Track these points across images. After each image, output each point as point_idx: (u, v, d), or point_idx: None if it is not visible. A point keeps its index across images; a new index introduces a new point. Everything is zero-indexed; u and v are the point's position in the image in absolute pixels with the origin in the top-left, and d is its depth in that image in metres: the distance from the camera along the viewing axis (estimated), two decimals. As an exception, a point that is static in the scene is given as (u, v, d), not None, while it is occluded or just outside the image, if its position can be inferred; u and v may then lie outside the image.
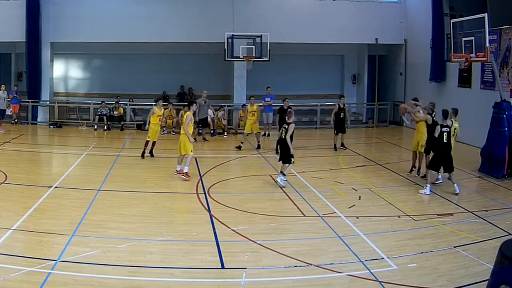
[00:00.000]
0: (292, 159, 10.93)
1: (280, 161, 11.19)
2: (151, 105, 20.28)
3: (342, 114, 15.62)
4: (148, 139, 13.72)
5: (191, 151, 11.31)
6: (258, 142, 15.68)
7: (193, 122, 11.54)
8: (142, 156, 13.59)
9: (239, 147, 15.34)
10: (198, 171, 12.43)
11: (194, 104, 12.26)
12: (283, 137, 10.99)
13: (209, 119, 17.87)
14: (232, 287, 6.30)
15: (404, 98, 21.28)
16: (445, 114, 10.67)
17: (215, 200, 9.81)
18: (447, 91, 17.96)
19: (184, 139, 11.31)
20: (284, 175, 10.96)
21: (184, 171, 11.35)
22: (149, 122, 13.76)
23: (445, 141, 10.50)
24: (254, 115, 15.85)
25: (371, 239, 7.85)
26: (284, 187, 10.77)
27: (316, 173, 12.09)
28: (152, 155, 13.73)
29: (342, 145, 15.76)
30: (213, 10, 19.72)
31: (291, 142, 10.90)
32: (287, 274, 6.63)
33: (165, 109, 19.24)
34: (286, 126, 11.00)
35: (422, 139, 11.59)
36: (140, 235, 7.82)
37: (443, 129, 10.53)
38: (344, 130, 15.78)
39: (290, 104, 16.19)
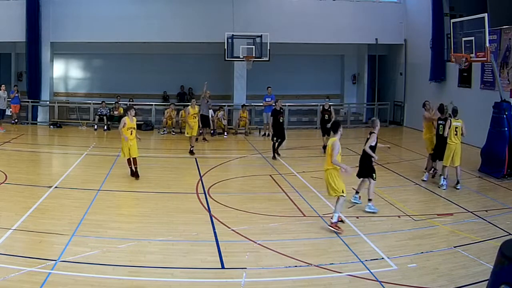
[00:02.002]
0: (374, 174, 9.40)
1: (361, 178, 9.66)
2: (151, 105, 20.58)
3: (326, 116, 15.22)
4: (126, 157, 11.44)
5: (343, 191, 8.20)
6: (192, 146, 14.54)
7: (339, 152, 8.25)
8: (133, 174, 11.47)
9: (191, 152, 14.40)
10: (198, 171, 12.44)
11: (340, 129, 8.39)
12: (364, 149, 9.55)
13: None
14: (232, 287, 6.30)
15: (404, 98, 21.34)
16: (440, 109, 11.55)
17: (215, 200, 9.81)
18: (447, 91, 17.96)
19: (330, 176, 8.21)
20: (357, 192, 9.68)
21: (333, 221, 8.19)
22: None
23: (440, 133, 11.40)
24: (195, 117, 14.62)
25: (371, 239, 7.85)
26: (375, 212, 9.26)
27: (316, 173, 12.05)
28: (136, 176, 11.40)
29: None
30: (213, 10, 19.73)
31: (374, 153, 9.38)
32: (287, 274, 6.63)
33: (165, 109, 19.32)
34: (369, 136, 9.56)
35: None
36: (140, 235, 7.82)
37: (439, 122, 11.48)
38: (329, 132, 15.00)
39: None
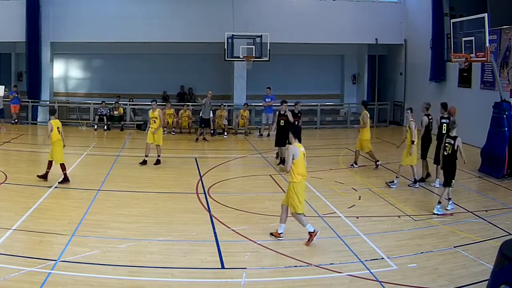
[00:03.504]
0: (452, 180, 9.25)
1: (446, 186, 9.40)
2: (150, 105, 20.42)
3: (282, 121, 13.00)
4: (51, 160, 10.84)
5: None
6: (158, 156, 13.06)
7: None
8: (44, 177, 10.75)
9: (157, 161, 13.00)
10: (198, 171, 12.44)
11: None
12: (449, 153, 9.19)
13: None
14: (232, 287, 6.30)
15: (404, 98, 21.33)
16: (444, 106, 11.30)
17: (215, 200, 9.81)
18: (447, 91, 17.96)
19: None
20: (439, 202, 9.24)
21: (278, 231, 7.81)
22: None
23: (443, 132, 10.90)
24: (155, 122, 12.89)
25: (371, 239, 7.85)
26: (444, 214, 9.17)
27: (316, 173, 12.06)
28: (66, 179, 10.69)
29: (281, 161, 12.68)
30: (213, 10, 19.73)
31: (457, 159, 9.16)
32: (287, 274, 6.63)
33: (162, 108, 19.24)
34: (452, 142, 9.13)
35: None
36: (140, 235, 7.83)
37: (442, 121, 11.12)
38: (283, 143, 12.51)
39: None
